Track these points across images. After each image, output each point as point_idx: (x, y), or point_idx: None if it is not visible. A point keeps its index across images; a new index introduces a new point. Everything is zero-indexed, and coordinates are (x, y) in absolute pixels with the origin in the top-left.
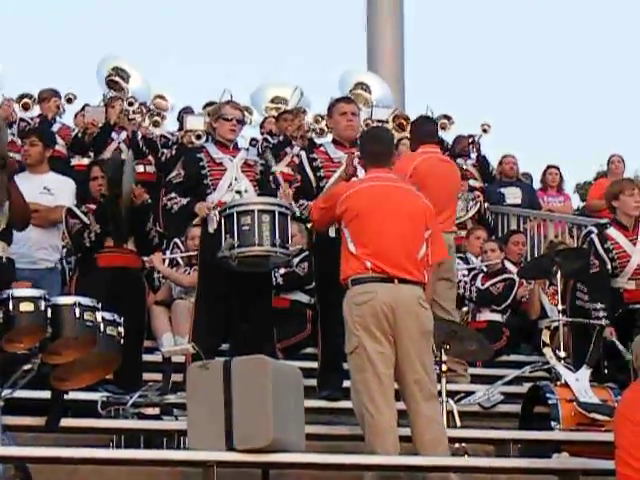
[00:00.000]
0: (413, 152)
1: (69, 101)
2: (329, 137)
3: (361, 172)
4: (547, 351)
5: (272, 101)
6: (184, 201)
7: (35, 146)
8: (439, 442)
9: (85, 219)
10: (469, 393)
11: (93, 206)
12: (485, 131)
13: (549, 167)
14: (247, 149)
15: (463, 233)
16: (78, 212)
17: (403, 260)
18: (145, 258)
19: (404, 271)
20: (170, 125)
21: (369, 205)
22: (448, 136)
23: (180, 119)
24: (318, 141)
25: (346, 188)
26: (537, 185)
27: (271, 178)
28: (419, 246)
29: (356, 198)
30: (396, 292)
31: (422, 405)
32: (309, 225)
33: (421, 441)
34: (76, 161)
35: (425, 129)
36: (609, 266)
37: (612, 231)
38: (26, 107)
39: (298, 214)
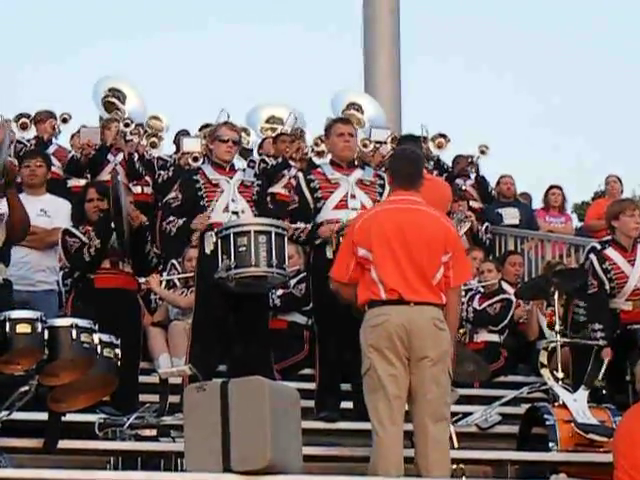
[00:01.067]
0: None
1: (64, 121)
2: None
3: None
4: (545, 372)
5: (267, 121)
6: (180, 222)
7: (41, 167)
8: (443, 465)
9: (84, 238)
10: (467, 414)
11: (90, 227)
12: (483, 152)
13: (552, 187)
14: (244, 170)
15: None
16: (76, 232)
17: (418, 284)
18: (142, 280)
19: (419, 295)
20: (165, 147)
21: (388, 229)
22: (445, 155)
23: (176, 141)
24: (318, 161)
25: (357, 219)
26: (538, 205)
27: (268, 199)
28: (435, 270)
29: (375, 222)
30: (410, 314)
31: (431, 426)
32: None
33: (425, 462)
34: (73, 182)
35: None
36: (607, 286)
37: (610, 251)
38: (24, 127)
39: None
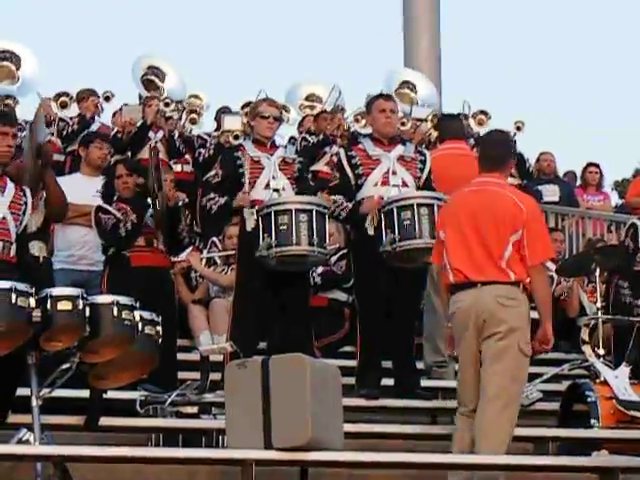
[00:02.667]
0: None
1: (107, 99)
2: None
3: None
4: (586, 349)
5: (307, 99)
6: (222, 200)
7: (109, 152)
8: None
9: (118, 214)
10: None
11: (122, 204)
12: (519, 129)
13: (589, 165)
14: (285, 147)
15: None
16: (110, 208)
17: (485, 265)
18: (183, 257)
19: (484, 274)
20: (206, 125)
21: (460, 213)
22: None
23: (217, 119)
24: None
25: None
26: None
27: (309, 176)
28: (502, 249)
29: (451, 205)
30: (478, 295)
31: (486, 404)
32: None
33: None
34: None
35: (449, 126)
36: None
37: None
38: (63, 105)
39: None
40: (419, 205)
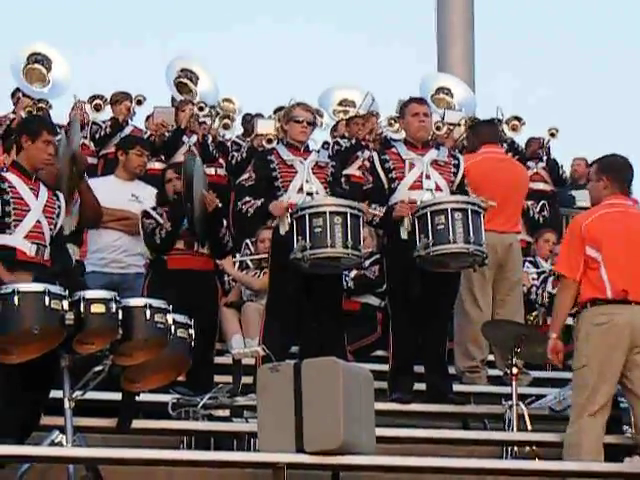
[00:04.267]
0: (473, 152)
1: (139, 103)
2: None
3: None
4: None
5: (340, 104)
6: (258, 202)
7: (143, 156)
8: None
9: (160, 219)
10: (539, 396)
11: (165, 208)
12: (553, 135)
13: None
14: (318, 151)
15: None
16: (153, 213)
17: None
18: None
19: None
20: (237, 129)
21: (618, 231)
22: (519, 138)
23: (245, 124)
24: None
25: (583, 219)
26: None
27: (342, 180)
28: None
29: (606, 223)
30: (635, 314)
31: None
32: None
33: None
34: (148, 164)
35: (485, 130)
36: None
37: None
38: (98, 108)
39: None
40: (453, 210)
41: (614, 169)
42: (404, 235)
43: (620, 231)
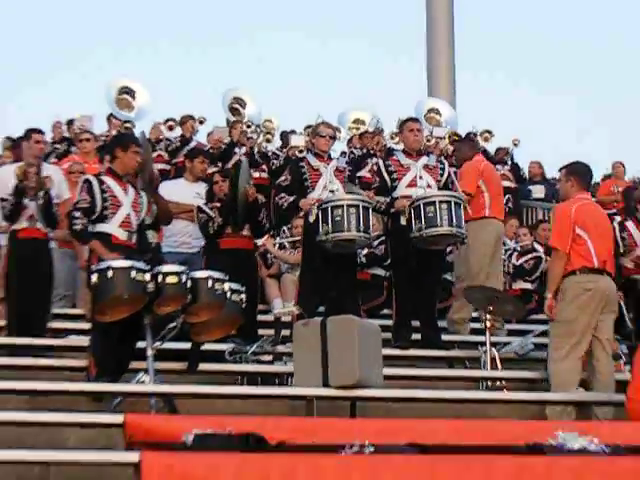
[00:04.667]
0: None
1: (201, 123)
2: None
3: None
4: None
5: (354, 122)
6: (291, 198)
7: (204, 163)
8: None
9: (211, 213)
10: (507, 343)
11: (217, 204)
12: (515, 144)
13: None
14: (338, 159)
15: None
16: (206, 208)
17: (611, 259)
18: (260, 242)
19: (611, 267)
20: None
21: (596, 217)
22: (490, 147)
23: (282, 139)
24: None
25: (569, 206)
26: None
27: (356, 181)
28: (611, 248)
29: (588, 210)
30: (608, 282)
31: (604, 356)
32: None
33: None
34: (208, 170)
35: (472, 145)
36: (622, 250)
37: (630, 224)
38: (171, 128)
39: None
40: (440, 202)
41: (578, 172)
42: (403, 222)
43: (593, 217)
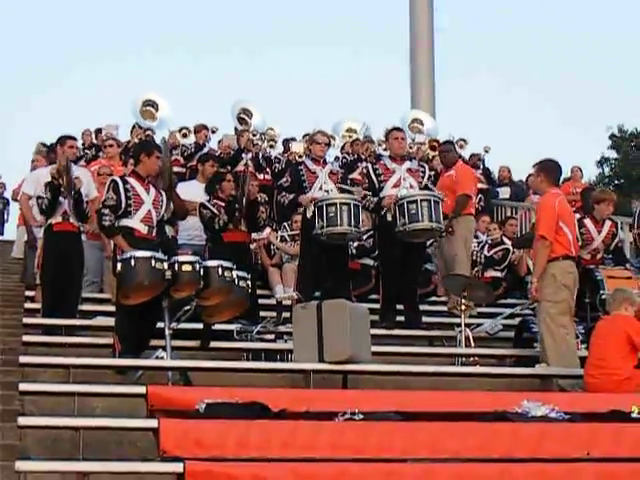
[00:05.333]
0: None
1: (213, 132)
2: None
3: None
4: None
5: (347, 131)
6: (291, 196)
7: (214, 167)
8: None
9: (214, 210)
10: (479, 324)
11: (221, 203)
12: (487, 151)
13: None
14: (332, 163)
15: None
16: (209, 205)
17: (577, 248)
18: (264, 236)
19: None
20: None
21: (569, 210)
22: (465, 153)
23: (285, 144)
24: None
25: (553, 199)
26: None
27: (348, 183)
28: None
29: (564, 204)
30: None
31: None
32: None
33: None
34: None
35: (455, 151)
36: (580, 243)
37: (587, 221)
38: (185, 135)
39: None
40: (421, 200)
41: (547, 169)
42: (389, 218)
43: (568, 211)
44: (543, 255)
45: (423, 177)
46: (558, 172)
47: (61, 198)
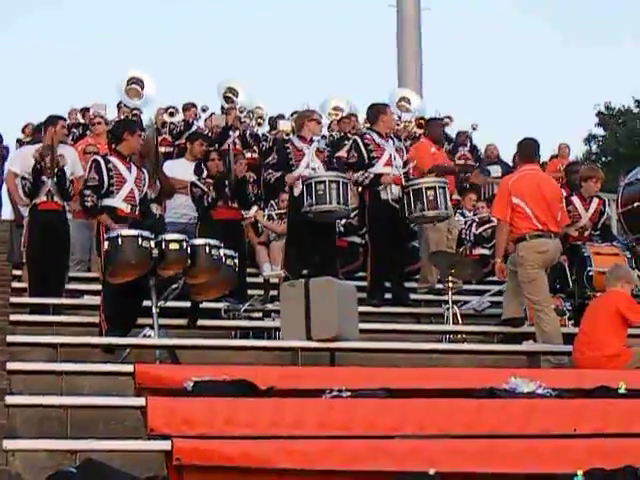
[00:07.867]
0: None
1: (204, 110)
2: None
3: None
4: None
5: (334, 109)
6: (278, 174)
7: (203, 145)
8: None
9: (204, 188)
10: (467, 301)
11: (210, 180)
12: (474, 129)
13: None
14: (318, 140)
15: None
16: (199, 183)
17: (553, 221)
18: (251, 214)
19: (554, 227)
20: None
21: (533, 186)
22: (451, 131)
23: (273, 122)
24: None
25: (508, 179)
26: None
27: (334, 160)
28: (557, 213)
29: (524, 181)
30: (555, 245)
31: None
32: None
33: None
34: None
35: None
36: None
37: (575, 199)
38: (172, 114)
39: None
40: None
41: (521, 147)
42: (384, 196)
43: (534, 185)
44: (500, 235)
45: (404, 156)
46: (532, 148)
47: (44, 177)
